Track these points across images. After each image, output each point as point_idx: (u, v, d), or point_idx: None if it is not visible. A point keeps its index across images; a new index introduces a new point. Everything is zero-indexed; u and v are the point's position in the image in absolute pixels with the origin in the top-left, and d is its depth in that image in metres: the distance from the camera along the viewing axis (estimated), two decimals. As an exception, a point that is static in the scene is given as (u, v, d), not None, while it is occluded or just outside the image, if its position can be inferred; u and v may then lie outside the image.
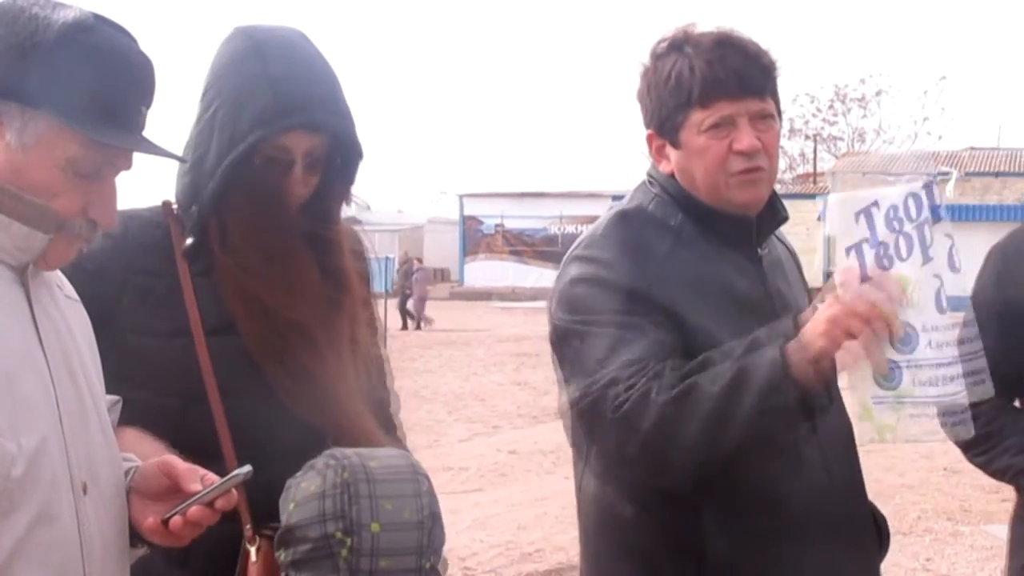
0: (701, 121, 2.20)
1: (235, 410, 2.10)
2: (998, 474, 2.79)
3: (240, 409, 2.10)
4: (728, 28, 2.27)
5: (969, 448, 2.84)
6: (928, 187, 1.83)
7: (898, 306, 1.88)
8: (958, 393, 1.89)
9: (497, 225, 44.31)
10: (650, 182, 2.34)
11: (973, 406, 2.83)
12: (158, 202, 2.24)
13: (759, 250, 2.30)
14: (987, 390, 1.93)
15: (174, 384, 2.09)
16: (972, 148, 42.29)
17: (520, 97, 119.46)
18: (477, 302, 37.82)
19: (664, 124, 2.26)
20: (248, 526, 2.02)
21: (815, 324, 1.95)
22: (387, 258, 27.00)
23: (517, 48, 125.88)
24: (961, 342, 1.88)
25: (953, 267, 1.85)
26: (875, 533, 2.42)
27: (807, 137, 55.25)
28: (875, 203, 1.83)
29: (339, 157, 2.21)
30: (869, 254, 1.83)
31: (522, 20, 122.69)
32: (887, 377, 1.89)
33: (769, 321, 2.09)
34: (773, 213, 2.33)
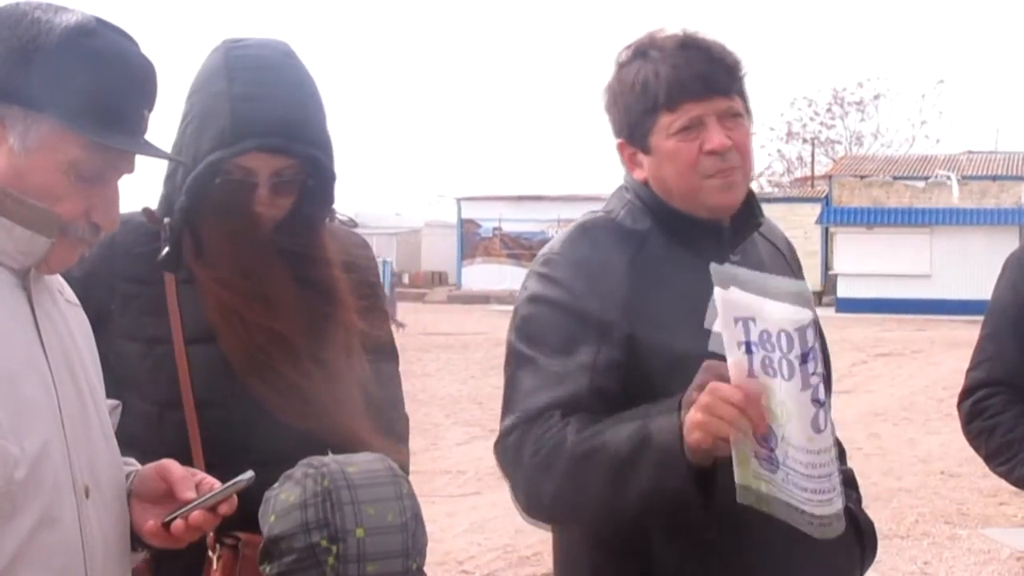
0: (669, 124, 2.19)
1: (210, 419, 2.11)
2: (1020, 482, 2.78)
3: (215, 418, 2.11)
4: (691, 30, 2.25)
5: (991, 458, 2.83)
6: (801, 331, 1.73)
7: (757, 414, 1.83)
8: (811, 503, 1.85)
9: (495, 228, 44.29)
10: (625, 188, 2.33)
11: (976, 432, 2.82)
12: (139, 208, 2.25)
13: (732, 256, 2.26)
14: (836, 529, 1.85)
15: (152, 390, 2.10)
16: (970, 152, 42.27)
17: (517, 100, 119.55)
18: (475, 305, 37.80)
19: (633, 131, 2.25)
20: (211, 533, 2.02)
21: (691, 416, 1.91)
22: (385, 261, 26.98)
23: (514, 51, 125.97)
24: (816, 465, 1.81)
25: (818, 430, 1.77)
26: (855, 542, 2.37)
27: (805, 141, 55.24)
28: (752, 318, 1.79)
29: (310, 179, 2.20)
30: (757, 356, 1.80)
31: (520, 23, 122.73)
32: (763, 441, 1.86)
33: None
34: (749, 217, 2.31)
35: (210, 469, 1.95)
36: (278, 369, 2.12)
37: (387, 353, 2.37)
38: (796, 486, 1.84)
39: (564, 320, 2.17)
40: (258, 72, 2.16)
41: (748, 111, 2.27)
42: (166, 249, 2.17)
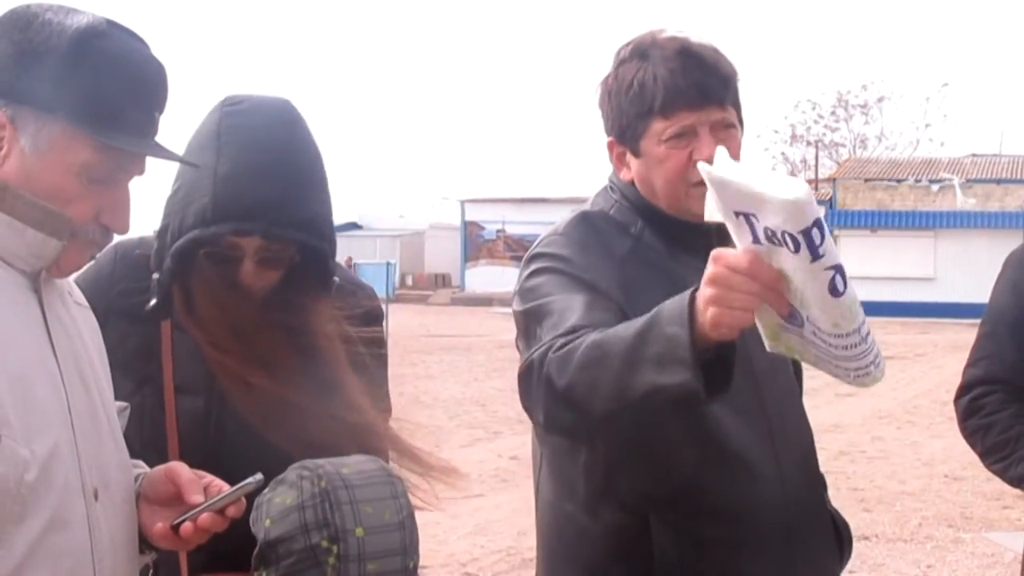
0: (662, 131, 2.19)
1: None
2: (1015, 481, 2.79)
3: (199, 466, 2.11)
4: (690, 36, 2.25)
5: (987, 456, 2.85)
6: (807, 233, 1.61)
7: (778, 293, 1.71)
8: (848, 375, 1.76)
9: (498, 231, 44.34)
10: (611, 188, 2.34)
11: (984, 415, 2.82)
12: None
13: None
14: (876, 377, 1.75)
15: (133, 432, 2.06)
16: (974, 155, 42.28)
17: (521, 102, 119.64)
18: (478, 308, 37.81)
19: (625, 132, 2.25)
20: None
21: (702, 294, 1.77)
22: (388, 263, 26.98)
23: (518, 53, 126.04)
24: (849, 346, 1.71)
25: (836, 292, 1.65)
26: (835, 541, 2.40)
27: (809, 143, 55.29)
28: (755, 214, 1.65)
29: (299, 257, 2.17)
30: (759, 227, 1.65)
31: (524, 25, 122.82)
32: (789, 319, 1.73)
33: None
34: None
35: None
36: (282, 425, 2.11)
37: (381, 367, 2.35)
38: (832, 359, 1.73)
39: (572, 282, 2.13)
40: (245, 150, 2.10)
41: (741, 121, 2.27)
42: (154, 300, 2.16)
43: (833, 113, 56.10)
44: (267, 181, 2.09)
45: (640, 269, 2.21)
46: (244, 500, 1.80)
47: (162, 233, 2.15)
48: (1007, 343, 2.83)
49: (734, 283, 1.68)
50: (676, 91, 2.17)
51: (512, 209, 43.83)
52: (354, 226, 47.92)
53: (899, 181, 37.67)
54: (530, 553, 7.67)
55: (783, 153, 56.68)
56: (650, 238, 2.26)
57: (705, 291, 1.73)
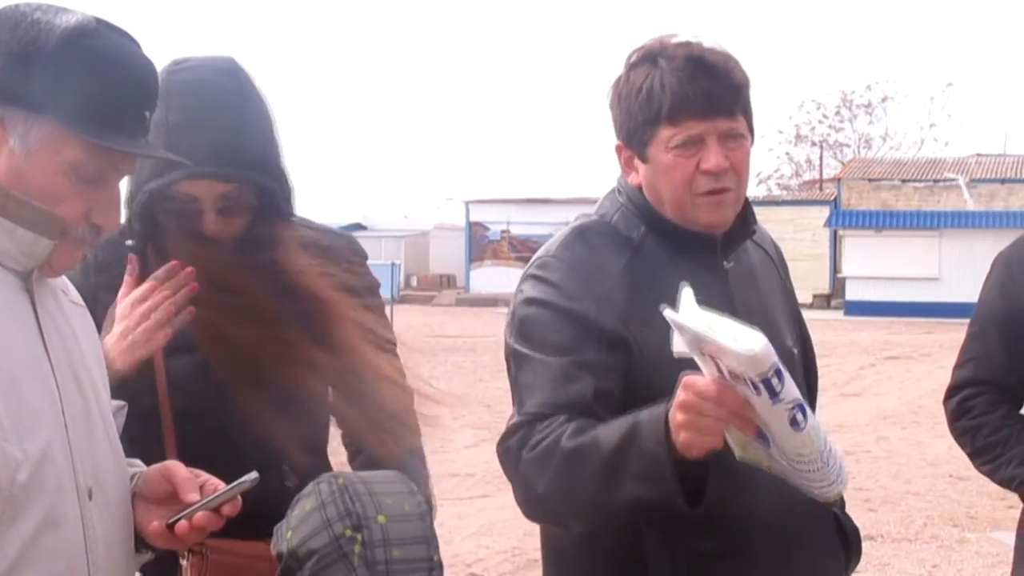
0: (669, 138, 2.18)
1: (190, 430, 2.14)
2: (1004, 482, 2.80)
3: (195, 429, 2.14)
4: (703, 41, 2.23)
5: (976, 456, 2.85)
6: (766, 381, 1.73)
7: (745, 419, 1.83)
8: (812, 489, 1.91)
9: (503, 231, 44.30)
10: (618, 191, 2.33)
11: (975, 415, 2.83)
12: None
13: (725, 263, 2.28)
14: (839, 491, 1.92)
15: (133, 401, 2.10)
16: (979, 154, 42.23)
17: (526, 103, 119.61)
18: (483, 308, 37.78)
19: (632, 137, 2.24)
20: None
21: (674, 417, 1.88)
22: (393, 264, 26.98)
23: (524, 54, 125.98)
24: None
25: (796, 426, 1.78)
26: (840, 547, 2.39)
27: (813, 144, 55.22)
28: (717, 357, 1.77)
29: (257, 199, 2.22)
30: (723, 365, 1.77)
31: (529, 26, 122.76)
32: (757, 438, 1.86)
33: None
34: (742, 225, 2.31)
35: None
36: (271, 377, 2.13)
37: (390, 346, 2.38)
38: (797, 476, 1.89)
39: (562, 321, 2.16)
40: (194, 98, 2.17)
41: (751, 129, 2.26)
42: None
43: (837, 113, 56.02)
44: (216, 126, 2.16)
45: (638, 282, 2.20)
46: (239, 498, 1.80)
47: (129, 201, 2.17)
48: (995, 344, 2.83)
49: (704, 409, 1.82)
50: (684, 99, 2.15)
51: (517, 210, 43.80)
52: (359, 227, 47.89)
53: (903, 181, 37.65)
54: (535, 553, 7.65)
55: (787, 153, 56.71)
56: (652, 245, 2.25)
57: (677, 416, 1.86)
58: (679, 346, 1.91)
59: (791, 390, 1.76)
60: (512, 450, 2.12)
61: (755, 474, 2.16)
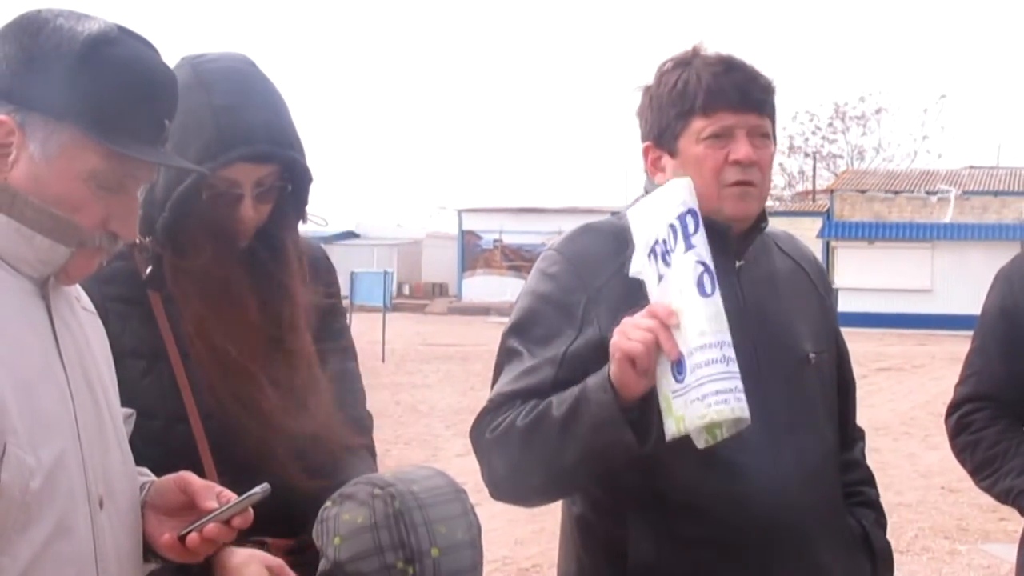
0: (701, 129, 2.25)
1: (215, 430, 2.11)
2: (1001, 496, 2.80)
3: (219, 428, 2.11)
4: (731, 53, 2.33)
5: (975, 473, 2.86)
6: (681, 218, 2.07)
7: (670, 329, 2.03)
8: (714, 406, 2.00)
9: (496, 240, 44.35)
10: (645, 193, 2.36)
11: (961, 429, 2.85)
12: None
13: (737, 261, 2.32)
14: (734, 409, 2.00)
15: (158, 406, 2.10)
16: (971, 167, 42.29)
17: (519, 112, 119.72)
18: (475, 317, 37.81)
19: (664, 133, 2.30)
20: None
21: (611, 346, 2.07)
22: (385, 272, 26.93)
23: (517, 63, 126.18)
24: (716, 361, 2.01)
25: (703, 292, 2.02)
26: (864, 555, 2.44)
27: (806, 155, 55.31)
28: (657, 241, 2.08)
29: (289, 184, 2.22)
30: (658, 250, 2.08)
31: (522, 34, 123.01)
32: (678, 368, 2.02)
33: (739, 332, 2.09)
34: (754, 224, 2.36)
35: (220, 477, 1.97)
36: (240, 392, 2.12)
37: (349, 353, 2.38)
38: (700, 392, 1.99)
39: (550, 312, 2.26)
40: (234, 80, 2.17)
41: (774, 135, 2.34)
42: (149, 268, 2.17)
43: (831, 125, 56.16)
44: (262, 107, 2.17)
45: (632, 281, 2.21)
46: (251, 510, 1.79)
47: (148, 196, 2.13)
48: (996, 358, 2.84)
49: (636, 322, 2.04)
50: (719, 90, 2.24)
51: (509, 219, 43.86)
52: (351, 235, 47.91)
53: (896, 193, 37.70)
54: (526, 562, 7.66)
55: (780, 164, 56.68)
56: None
57: (612, 343, 2.05)
58: (637, 264, 2.14)
59: (704, 246, 2.03)
60: (477, 433, 2.26)
61: (752, 464, 2.18)
